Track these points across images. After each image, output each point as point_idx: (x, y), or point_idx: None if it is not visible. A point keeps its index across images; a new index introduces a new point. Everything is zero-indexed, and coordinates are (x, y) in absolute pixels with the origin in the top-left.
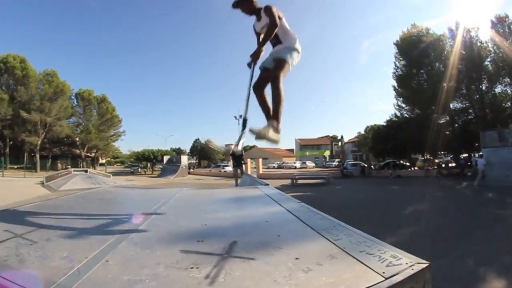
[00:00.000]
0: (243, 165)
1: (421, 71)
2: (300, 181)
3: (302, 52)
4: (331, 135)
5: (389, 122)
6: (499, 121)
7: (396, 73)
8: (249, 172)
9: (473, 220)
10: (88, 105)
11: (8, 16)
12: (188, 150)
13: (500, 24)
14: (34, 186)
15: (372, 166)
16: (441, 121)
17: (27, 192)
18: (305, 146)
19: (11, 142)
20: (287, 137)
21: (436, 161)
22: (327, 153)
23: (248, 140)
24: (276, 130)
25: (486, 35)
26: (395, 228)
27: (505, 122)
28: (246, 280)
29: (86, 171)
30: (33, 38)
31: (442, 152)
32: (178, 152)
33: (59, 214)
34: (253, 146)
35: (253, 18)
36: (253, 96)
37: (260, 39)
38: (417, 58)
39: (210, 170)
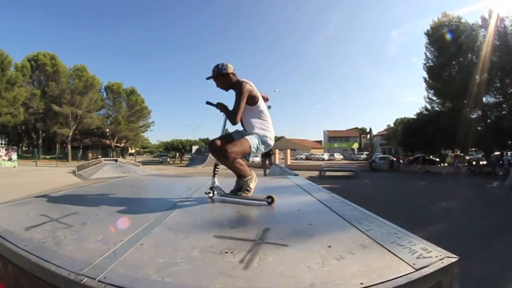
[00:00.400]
0: (272, 156)
1: (453, 62)
2: (328, 173)
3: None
4: (359, 127)
5: (419, 115)
6: None
7: (427, 64)
8: (277, 163)
9: (503, 221)
10: (118, 98)
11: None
12: None
13: None
14: (66, 175)
15: (401, 161)
16: (473, 116)
17: (60, 181)
18: (333, 138)
19: (43, 134)
20: (316, 128)
21: (467, 158)
22: (355, 146)
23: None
24: (249, 188)
25: None
26: (423, 224)
27: None
28: (280, 265)
29: (116, 160)
30: (63, 36)
31: (473, 149)
32: (207, 142)
33: (92, 200)
34: (282, 137)
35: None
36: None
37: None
38: (448, 48)
39: None
